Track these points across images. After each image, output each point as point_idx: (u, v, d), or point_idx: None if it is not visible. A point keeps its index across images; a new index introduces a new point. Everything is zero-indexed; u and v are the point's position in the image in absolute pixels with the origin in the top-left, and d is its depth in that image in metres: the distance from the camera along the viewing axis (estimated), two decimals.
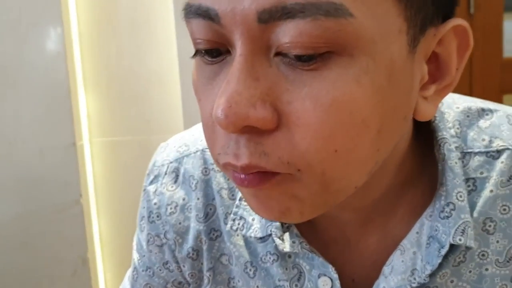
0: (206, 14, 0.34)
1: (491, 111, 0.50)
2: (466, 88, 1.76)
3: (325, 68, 0.34)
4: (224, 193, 0.53)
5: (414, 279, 0.46)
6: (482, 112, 0.50)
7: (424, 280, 0.45)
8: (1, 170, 1.48)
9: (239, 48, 0.34)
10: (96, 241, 1.51)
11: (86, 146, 1.53)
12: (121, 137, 1.53)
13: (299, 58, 0.33)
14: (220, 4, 0.33)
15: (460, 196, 0.45)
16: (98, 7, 1.42)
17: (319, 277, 0.48)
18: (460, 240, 0.44)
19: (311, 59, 0.33)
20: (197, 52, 0.38)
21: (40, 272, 1.44)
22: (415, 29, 0.36)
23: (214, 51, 0.37)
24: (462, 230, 0.44)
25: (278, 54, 0.34)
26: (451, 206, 0.45)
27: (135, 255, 0.61)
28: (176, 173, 0.55)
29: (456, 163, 0.46)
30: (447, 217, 0.44)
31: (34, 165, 1.48)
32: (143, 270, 0.59)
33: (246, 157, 0.35)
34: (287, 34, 0.33)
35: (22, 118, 1.46)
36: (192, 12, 0.35)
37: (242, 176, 0.36)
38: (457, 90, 0.45)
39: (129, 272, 0.64)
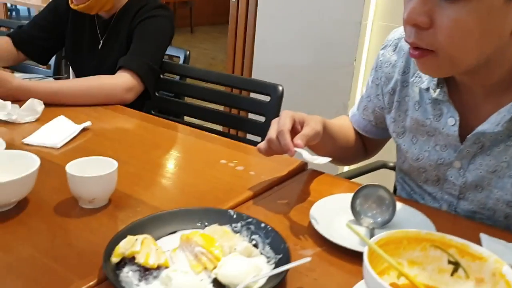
0: None
1: None
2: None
3: (457, 4, 0.70)
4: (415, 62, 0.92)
5: (497, 127, 0.81)
6: None
7: (501, 127, 0.80)
8: (310, 33, 1.99)
9: None
10: (358, 94, 1.97)
11: (369, 25, 1.94)
12: (397, 24, 1.88)
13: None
14: None
15: None
16: None
17: (449, 117, 0.87)
18: None
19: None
20: None
21: (313, 105, 1.98)
22: None
23: None
24: None
25: None
26: None
27: (364, 90, 1.06)
28: (395, 46, 0.97)
29: None
30: None
31: (330, 32, 1.98)
32: (365, 98, 1.05)
33: (413, 38, 0.75)
34: None
35: None
36: None
37: (411, 51, 0.77)
38: None
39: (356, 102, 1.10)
